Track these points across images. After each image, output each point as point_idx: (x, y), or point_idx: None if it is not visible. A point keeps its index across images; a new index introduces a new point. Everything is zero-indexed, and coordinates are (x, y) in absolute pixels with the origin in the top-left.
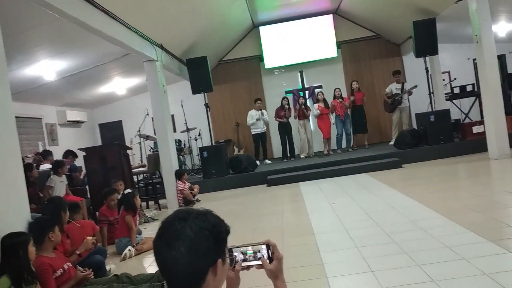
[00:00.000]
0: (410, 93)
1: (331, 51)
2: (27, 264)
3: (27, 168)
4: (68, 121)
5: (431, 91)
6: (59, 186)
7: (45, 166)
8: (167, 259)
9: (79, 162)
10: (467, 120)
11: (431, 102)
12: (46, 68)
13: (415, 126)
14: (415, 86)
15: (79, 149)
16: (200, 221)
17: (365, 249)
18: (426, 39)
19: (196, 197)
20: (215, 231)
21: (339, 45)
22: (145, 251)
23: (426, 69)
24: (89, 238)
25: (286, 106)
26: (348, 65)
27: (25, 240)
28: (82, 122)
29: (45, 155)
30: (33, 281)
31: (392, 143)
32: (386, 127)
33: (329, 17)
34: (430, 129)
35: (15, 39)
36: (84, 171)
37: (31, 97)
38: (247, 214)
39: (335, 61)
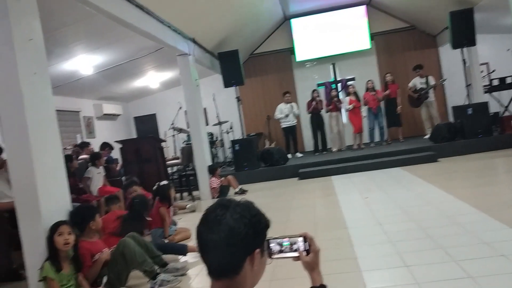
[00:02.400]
0: (435, 87)
1: (364, 43)
2: (53, 252)
3: (68, 159)
4: (105, 114)
5: (469, 83)
6: (97, 177)
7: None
8: (208, 243)
9: (116, 154)
10: (506, 114)
11: (468, 95)
12: (83, 62)
13: (451, 119)
14: (444, 80)
15: (115, 141)
16: (241, 209)
17: (400, 244)
18: (463, 30)
19: (240, 188)
20: (255, 221)
21: (372, 36)
22: (177, 241)
23: (463, 60)
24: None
25: (318, 99)
26: (381, 57)
27: (51, 229)
28: (118, 115)
29: (83, 146)
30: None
31: (427, 136)
32: (421, 120)
33: (362, 8)
34: (468, 123)
35: (54, 35)
36: (120, 162)
37: (69, 91)
38: (278, 207)
39: (368, 53)
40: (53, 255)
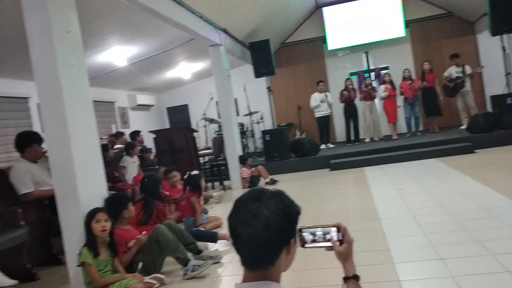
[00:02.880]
0: (472, 76)
1: (399, 31)
2: (91, 238)
3: (103, 148)
4: (138, 105)
5: (508, 71)
6: (131, 166)
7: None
8: (244, 237)
9: (150, 143)
10: None
11: (508, 84)
12: (117, 54)
13: (489, 109)
14: (481, 67)
15: (149, 131)
16: (275, 201)
17: (434, 236)
18: (503, 16)
19: (270, 178)
20: (289, 212)
21: (407, 24)
22: (208, 230)
23: (503, 48)
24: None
25: (350, 86)
26: (417, 45)
27: (88, 216)
28: (151, 105)
29: (118, 136)
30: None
31: (464, 127)
32: (458, 110)
33: None
34: (507, 113)
35: (89, 27)
36: (154, 152)
37: (104, 82)
38: (309, 198)
39: (403, 41)
40: (91, 241)
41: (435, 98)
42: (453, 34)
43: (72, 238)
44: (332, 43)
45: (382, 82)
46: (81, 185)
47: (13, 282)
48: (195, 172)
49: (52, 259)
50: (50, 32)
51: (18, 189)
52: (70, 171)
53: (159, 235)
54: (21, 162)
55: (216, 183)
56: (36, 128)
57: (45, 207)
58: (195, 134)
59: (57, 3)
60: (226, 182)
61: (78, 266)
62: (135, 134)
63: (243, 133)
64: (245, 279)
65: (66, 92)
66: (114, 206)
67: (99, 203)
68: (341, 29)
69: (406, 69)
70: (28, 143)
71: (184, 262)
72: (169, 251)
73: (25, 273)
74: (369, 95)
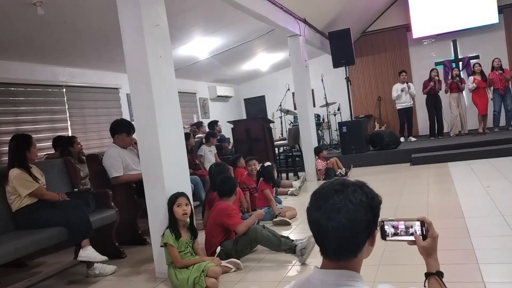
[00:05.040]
0: None
1: (491, 17)
2: (173, 221)
3: (186, 137)
4: (218, 96)
5: None
6: (208, 155)
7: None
8: (328, 231)
9: (228, 133)
10: None
11: None
12: (200, 46)
13: None
14: None
15: (227, 121)
16: (359, 195)
17: None
18: None
19: (343, 170)
20: (374, 204)
21: (501, 9)
22: (288, 218)
23: None
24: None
25: (436, 78)
26: (511, 32)
27: (170, 200)
28: (230, 97)
29: (199, 126)
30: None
31: None
32: None
33: None
34: None
35: (175, 20)
36: (232, 142)
37: (186, 74)
38: (388, 192)
39: (495, 28)
40: (173, 223)
41: None
42: None
43: (157, 220)
44: (417, 31)
45: (472, 73)
46: (166, 171)
47: (103, 258)
48: (268, 163)
49: (137, 239)
50: (141, 26)
51: (109, 172)
52: (157, 157)
53: (258, 236)
54: (113, 147)
55: (291, 174)
56: (125, 116)
57: (132, 190)
58: (271, 125)
59: None
60: (300, 173)
61: (161, 246)
62: (213, 124)
63: (319, 125)
64: (324, 267)
65: (155, 83)
66: (230, 187)
67: (183, 188)
68: (427, 16)
69: (496, 58)
70: (118, 131)
71: (292, 250)
72: (274, 247)
73: (113, 250)
74: (456, 87)
